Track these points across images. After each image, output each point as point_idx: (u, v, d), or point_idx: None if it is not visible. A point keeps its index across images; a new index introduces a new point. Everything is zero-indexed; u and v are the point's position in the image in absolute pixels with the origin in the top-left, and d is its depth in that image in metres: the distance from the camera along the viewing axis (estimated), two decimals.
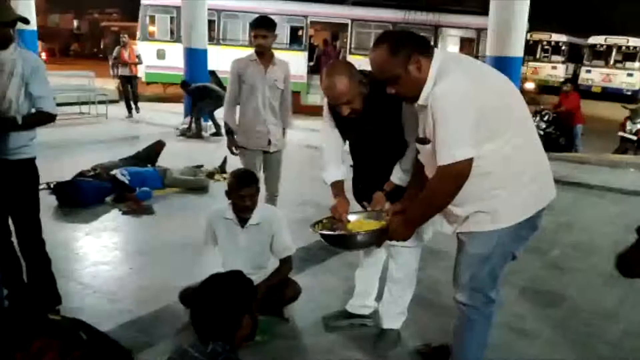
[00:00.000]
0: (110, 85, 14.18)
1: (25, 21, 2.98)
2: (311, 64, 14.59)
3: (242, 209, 3.19)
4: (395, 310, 3.02)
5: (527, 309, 3.58)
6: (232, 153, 4.53)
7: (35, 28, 10.07)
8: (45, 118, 3.01)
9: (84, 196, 5.34)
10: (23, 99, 2.88)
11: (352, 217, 2.71)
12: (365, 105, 2.64)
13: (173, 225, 4.98)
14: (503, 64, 7.88)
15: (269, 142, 4.37)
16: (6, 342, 2.11)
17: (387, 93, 2.21)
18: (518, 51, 7.86)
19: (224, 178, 6.67)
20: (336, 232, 2.60)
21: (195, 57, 10.12)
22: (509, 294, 3.72)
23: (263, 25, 4.17)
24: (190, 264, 4.09)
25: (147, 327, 3.18)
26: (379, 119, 2.68)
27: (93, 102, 11.31)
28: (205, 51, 10.22)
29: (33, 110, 2.95)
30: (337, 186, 2.92)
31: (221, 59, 13.64)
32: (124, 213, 5.26)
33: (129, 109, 11.51)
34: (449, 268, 2.60)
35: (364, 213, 2.77)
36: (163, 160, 6.80)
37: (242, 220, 3.27)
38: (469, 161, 2.03)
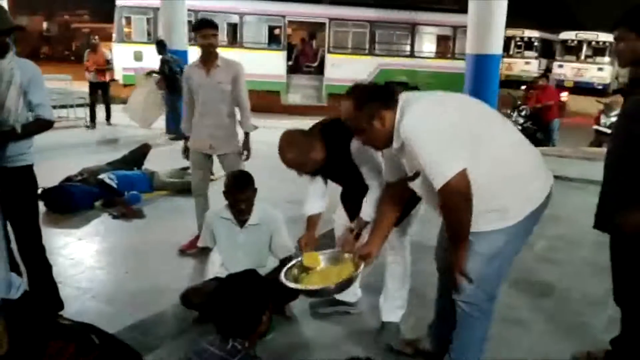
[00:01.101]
0: (85, 87, 14.02)
1: (21, 29, 2.98)
2: (290, 63, 14.62)
3: (238, 211, 3.25)
4: (394, 303, 3.10)
5: (520, 300, 3.69)
6: (185, 157, 4.57)
7: None
8: (44, 125, 3.01)
9: (73, 201, 5.32)
10: (22, 108, 2.89)
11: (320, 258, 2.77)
12: (329, 154, 2.82)
13: (164, 228, 5.00)
14: (482, 63, 8.06)
15: (210, 146, 4.30)
16: (21, 345, 2.13)
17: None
18: (497, 49, 8.01)
19: (211, 179, 6.68)
20: (308, 288, 2.61)
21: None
22: (502, 285, 3.84)
23: (211, 25, 4.16)
24: (185, 266, 4.14)
25: (148, 330, 3.21)
26: (341, 163, 2.86)
27: (72, 106, 11.16)
28: (185, 52, 10.15)
29: (31, 118, 2.96)
30: (311, 220, 3.09)
31: None
32: (115, 217, 5.25)
33: (92, 117, 10.68)
34: None
35: (328, 253, 2.81)
36: (148, 163, 6.79)
37: (241, 221, 3.32)
38: (462, 173, 2.06)
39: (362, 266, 2.50)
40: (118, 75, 14.21)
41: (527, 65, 23.18)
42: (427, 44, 14.84)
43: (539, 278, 4.08)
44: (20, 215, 3.00)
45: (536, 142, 9.41)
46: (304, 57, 15.16)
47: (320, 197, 3.12)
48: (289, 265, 2.72)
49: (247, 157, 4.40)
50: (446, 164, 2.08)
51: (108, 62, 10.90)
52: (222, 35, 13.72)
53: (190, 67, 4.35)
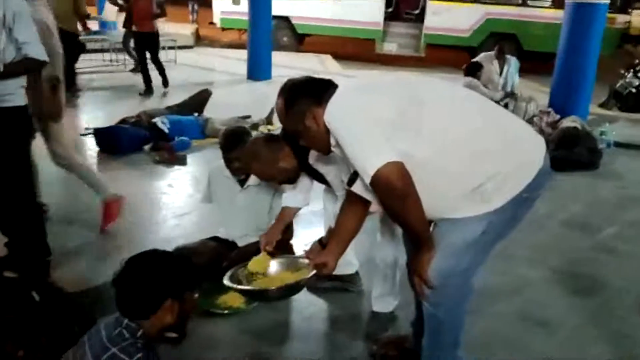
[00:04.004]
0: (186, 30, 14.28)
1: None
2: (389, 9, 13.84)
3: (231, 171, 3.01)
4: (385, 292, 2.75)
5: (553, 296, 3.14)
6: None
7: None
8: (32, 65, 2.89)
9: (120, 143, 5.34)
10: (5, 45, 2.77)
11: (274, 267, 2.47)
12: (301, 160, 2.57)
13: (196, 180, 4.83)
14: (583, 13, 7.05)
15: None
16: None
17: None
18: None
19: (269, 130, 6.48)
20: (249, 288, 2.35)
21: (258, 3, 9.81)
22: (535, 276, 3.30)
23: None
24: (200, 220, 3.97)
25: None
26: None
27: (163, 48, 11.36)
28: None
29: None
30: (284, 212, 2.82)
31: (296, 4, 13.35)
32: (157, 162, 5.22)
33: (147, 81, 8.37)
34: None
35: (288, 259, 2.53)
36: (216, 109, 6.69)
37: (240, 181, 3.09)
38: (391, 165, 1.69)
39: (310, 274, 2.19)
40: (216, 19, 14.33)
41: None
42: None
43: (590, 271, 3.44)
44: (7, 156, 2.92)
45: None
46: (405, 4, 14.27)
47: (302, 191, 2.79)
48: (240, 265, 2.46)
49: None
50: (371, 156, 1.72)
51: (161, 7, 8.39)
52: None
53: None
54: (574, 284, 3.28)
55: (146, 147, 5.50)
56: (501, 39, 10.94)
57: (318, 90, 1.95)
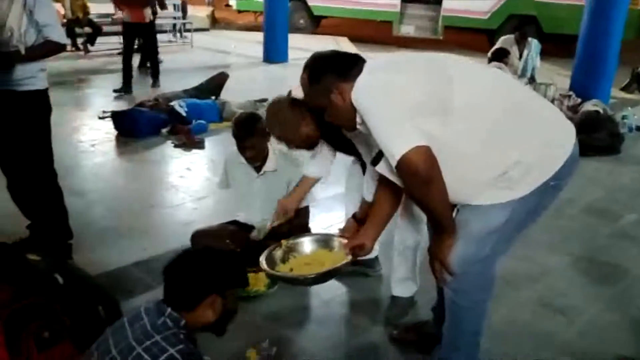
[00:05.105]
0: (202, 13, 14.23)
1: None
2: None
3: (245, 159, 2.99)
4: (405, 277, 2.72)
5: (574, 284, 3.11)
6: None
7: None
8: (52, 48, 2.90)
9: (138, 126, 5.36)
10: (26, 28, 2.77)
11: (308, 245, 2.45)
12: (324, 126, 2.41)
13: (213, 163, 4.83)
14: None
15: None
16: None
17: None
18: None
19: None
20: (278, 274, 2.33)
21: None
22: (555, 262, 3.27)
23: None
24: (218, 204, 3.97)
25: (153, 268, 3.05)
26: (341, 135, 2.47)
27: (179, 31, 11.37)
28: None
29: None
30: (304, 183, 2.84)
31: None
32: (176, 146, 5.24)
33: (127, 78, 7.24)
34: None
35: (323, 238, 2.48)
36: (233, 92, 6.68)
37: (257, 167, 3.07)
38: (418, 149, 1.66)
39: (348, 258, 2.18)
40: (232, 1, 14.26)
41: None
42: None
43: (611, 258, 3.40)
44: (29, 139, 2.95)
45: None
46: None
47: (323, 161, 2.77)
48: (276, 244, 2.44)
49: None
50: (398, 139, 1.69)
51: None
52: None
53: None
54: (594, 271, 3.25)
55: (164, 131, 5.52)
56: (521, 21, 10.76)
57: (345, 65, 1.90)
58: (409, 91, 1.75)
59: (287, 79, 8.06)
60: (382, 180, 2.08)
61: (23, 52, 2.76)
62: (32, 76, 2.87)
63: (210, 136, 5.54)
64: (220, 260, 1.84)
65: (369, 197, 2.37)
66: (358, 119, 1.86)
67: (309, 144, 2.60)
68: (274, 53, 9.84)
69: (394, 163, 1.70)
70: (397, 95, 1.74)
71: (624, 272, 3.24)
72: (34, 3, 2.75)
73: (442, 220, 1.85)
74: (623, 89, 8.49)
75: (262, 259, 2.33)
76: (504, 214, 1.83)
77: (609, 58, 7.13)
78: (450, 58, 2.02)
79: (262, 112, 5.99)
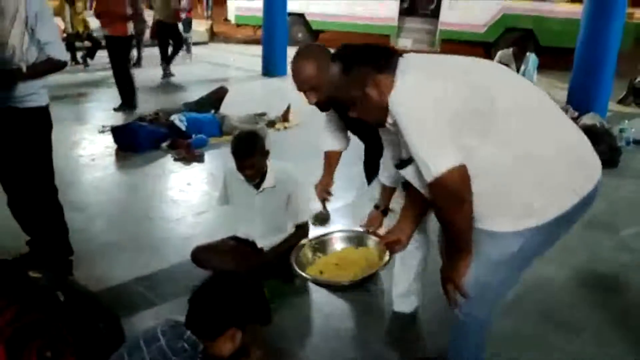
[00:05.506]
0: (201, 27, 14.30)
1: None
2: (405, 5, 13.76)
3: (245, 177, 2.98)
4: (407, 292, 2.72)
5: (576, 296, 3.11)
6: None
7: None
8: (54, 66, 2.90)
9: (138, 141, 5.37)
10: (28, 46, 2.78)
11: (336, 242, 2.43)
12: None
13: (213, 177, 4.83)
14: (603, 4, 6.96)
15: None
16: None
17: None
18: None
19: (285, 127, 6.49)
20: (316, 278, 2.35)
21: (273, 0, 9.79)
22: (557, 275, 3.28)
23: None
24: (221, 217, 3.97)
25: (154, 284, 3.10)
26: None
27: (188, 46, 11.41)
28: None
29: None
30: (329, 158, 2.70)
31: (311, 0, 13.32)
32: (175, 160, 5.25)
33: (124, 94, 7.11)
34: None
35: (352, 234, 2.45)
36: (232, 106, 6.71)
37: (256, 184, 3.06)
38: (457, 169, 1.62)
39: (386, 258, 2.14)
40: (231, 15, 14.37)
41: None
42: None
43: (610, 271, 3.40)
44: (30, 156, 2.95)
45: None
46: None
47: (338, 131, 2.67)
48: (303, 242, 2.41)
49: None
50: (437, 157, 1.62)
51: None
52: None
53: None
54: (596, 284, 3.25)
55: (164, 145, 5.53)
56: (517, 34, 10.83)
57: (381, 57, 1.78)
58: (449, 100, 1.66)
59: (286, 93, 8.08)
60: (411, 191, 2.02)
61: (24, 70, 2.77)
62: (33, 93, 2.87)
63: (210, 150, 5.55)
64: (246, 294, 1.84)
65: (387, 182, 2.33)
66: (389, 120, 1.77)
67: (328, 101, 2.37)
68: (273, 67, 9.89)
69: (428, 179, 1.65)
70: (438, 105, 1.65)
71: (626, 285, 3.25)
72: (36, 21, 2.76)
73: (463, 241, 1.80)
74: (620, 102, 8.53)
75: (293, 262, 2.30)
76: (519, 241, 1.76)
77: (606, 71, 7.18)
78: (483, 64, 1.92)
79: (261, 125, 6.15)
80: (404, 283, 2.69)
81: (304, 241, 2.45)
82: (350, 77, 1.78)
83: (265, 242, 3.11)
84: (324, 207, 2.55)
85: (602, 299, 3.09)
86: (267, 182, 3.02)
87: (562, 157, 1.74)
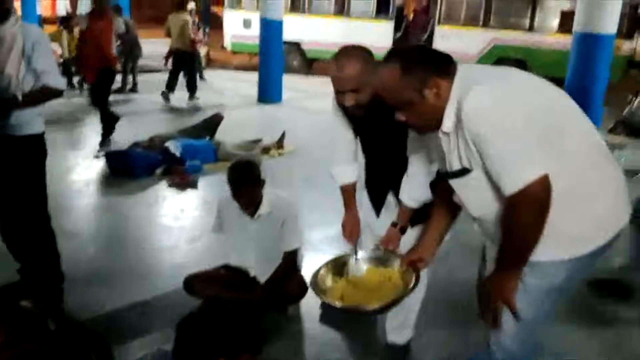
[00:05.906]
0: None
1: None
2: (398, 34, 13.96)
3: (240, 206, 2.99)
4: (401, 324, 2.69)
5: (567, 326, 3.08)
6: None
7: None
8: (50, 94, 2.93)
9: (133, 167, 5.38)
10: (24, 75, 2.81)
11: (356, 264, 2.27)
12: (373, 104, 2.16)
13: (207, 204, 4.79)
14: (590, 43, 7.08)
15: None
16: None
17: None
18: (610, 27, 6.94)
19: (280, 154, 6.52)
20: (338, 305, 2.15)
21: (269, 29, 9.91)
22: None
23: None
24: (213, 245, 3.94)
25: (145, 312, 3.09)
26: (387, 120, 2.04)
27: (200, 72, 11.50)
28: (280, 22, 9.99)
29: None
30: (348, 193, 2.59)
31: (306, 30, 13.49)
32: (170, 186, 5.25)
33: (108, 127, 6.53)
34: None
35: (371, 254, 2.32)
36: (228, 132, 6.74)
37: (251, 212, 3.07)
38: (544, 179, 1.58)
39: (412, 281, 2.01)
40: (227, 42, 14.51)
41: None
42: (550, 17, 13.40)
43: (604, 302, 3.40)
44: (24, 183, 2.96)
45: None
46: (414, 28, 14.40)
47: (350, 160, 2.61)
48: (322, 265, 2.27)
49: None
50: (525, 166, 1.59)
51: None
52: (329, 5, 13.46)
53: None
54: (590, 314, 3.26)
55: (158, 171, 5.53)
56: (509, 64, 10.97)
57: (441, 60, 1.73)
58: (528, 119, 1.62)
59: (282, 119, 8.16)
60: (441, 194, 2.02)
61: (20, 98, 2.79)
62: (29, 121, 2.90)
63: (205, 176, 5.56)
64: (236, 322, 1.79)
65: (409, 202, 2.30)
66: (447, 125, 1.70)
67: (363, 105, 2.22)
68: (269, 93, 9.95)
69: (511, 190, 1.60)
70: (519, 122, 1.60)
71: (619, 317, 3.26)
72: (32, 50, 2.79)
73: (524, 256, 1.71)
74: (610, 131, 8.63)
75: (312, 288, 2.18)
76: (564, 271, 1.75)
77: (595, 103, 7.28)
78: (552, 87, 1.86)
79: (256, 152, 6.17)
80: (400, 317, 2.66)
81: (321, 265, 2.36)
82: (409, 77, 1.70)
83: (258, 271, 3.10)
84: (356, 250, 2.33)
85: (595, 330, 3.10)
86: (262, 209, 3.03)
87: (610, 188, 1.78)
